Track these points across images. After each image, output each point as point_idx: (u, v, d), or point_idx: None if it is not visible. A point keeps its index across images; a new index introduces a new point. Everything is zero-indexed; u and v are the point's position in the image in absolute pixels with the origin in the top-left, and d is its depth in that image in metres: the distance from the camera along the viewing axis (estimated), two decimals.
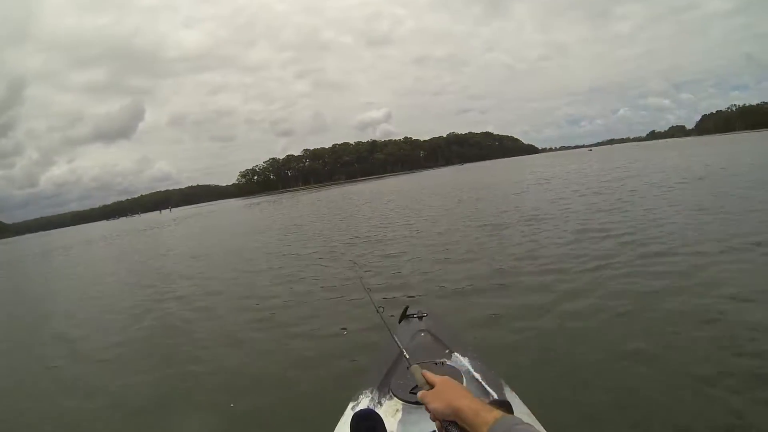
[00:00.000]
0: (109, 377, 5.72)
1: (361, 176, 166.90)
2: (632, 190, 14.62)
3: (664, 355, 3.74)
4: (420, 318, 3.04)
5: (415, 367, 1.42)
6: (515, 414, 1.53)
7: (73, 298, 11.96)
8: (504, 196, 18.62)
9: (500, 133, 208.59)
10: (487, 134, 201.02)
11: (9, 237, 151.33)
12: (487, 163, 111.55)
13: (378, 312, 2.40)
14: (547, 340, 4.26)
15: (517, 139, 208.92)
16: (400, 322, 3.12)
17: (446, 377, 1.36)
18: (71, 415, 4.96)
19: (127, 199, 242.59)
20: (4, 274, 24.14)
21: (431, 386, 1.34)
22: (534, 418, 1.89)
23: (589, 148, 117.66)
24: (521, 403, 1.99)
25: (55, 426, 4.77)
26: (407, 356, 2.45)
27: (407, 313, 3.14)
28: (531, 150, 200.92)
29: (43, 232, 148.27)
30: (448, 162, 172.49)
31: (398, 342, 2.66)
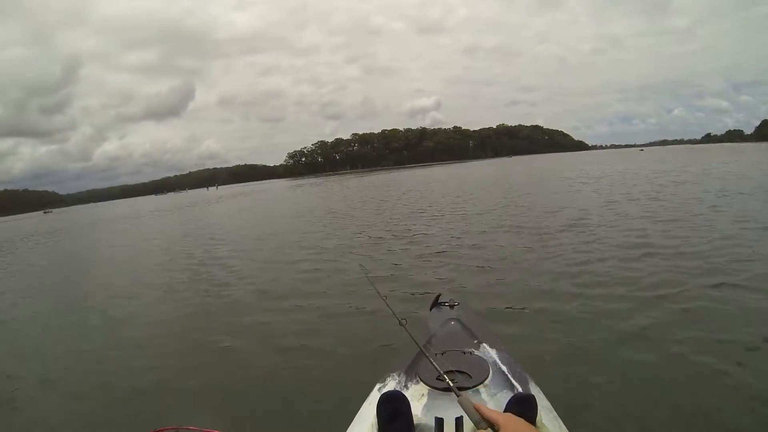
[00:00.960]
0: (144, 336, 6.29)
1: (410, 163, 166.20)
2: (692, 198, 13.35)
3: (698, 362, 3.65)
4: (451, 306, 3.05)
5: (464, 400, 1.44)
6: (539, 408, 1.68)
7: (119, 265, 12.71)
8: (551, 195, 17.86)
9: (550, 127, 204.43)
10: (537, 128, 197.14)
11: (63, 207, 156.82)
12: (536, 157, 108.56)
13: (388, 312, 2.49)
14: (580, 345, 4.23)
15: (566, 134, 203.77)
16: (431, 309, 3.14)
17: (509, 414, 1.40)
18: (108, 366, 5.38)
19: (176, 176, 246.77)
20: (68, 239, 25.46)
21: (490, 424, 1.35)
22: (555, 413, 1.90)
23: (641, 148, 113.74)
24: (544, 397, 1.99)
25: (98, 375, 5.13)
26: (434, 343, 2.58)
27: (439, 300, 3.17)
28: (580, 146, 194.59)
29: (94, 204, 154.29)
30: (496, 154, 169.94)
31: (428, 328, 2.83)
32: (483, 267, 7.60)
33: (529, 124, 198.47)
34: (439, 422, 1.69)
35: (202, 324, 6.54)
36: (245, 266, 10.24)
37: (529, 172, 37.85)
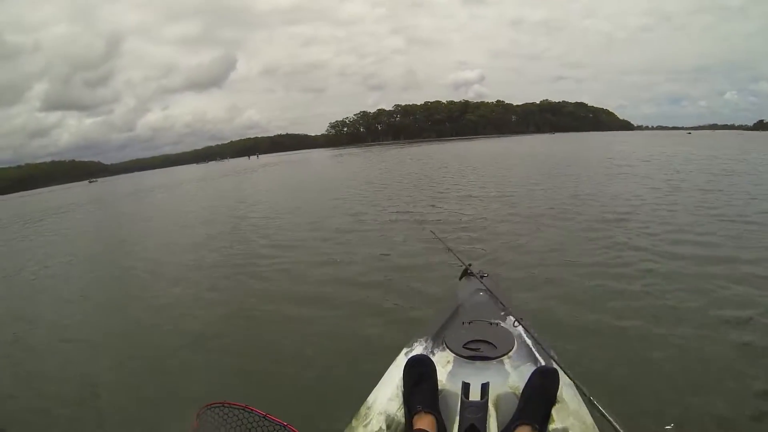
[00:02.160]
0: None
1: (451, 136, 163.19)
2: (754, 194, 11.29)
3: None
4: (480, 277, 3.07)
5: None
6: (560, 384, 1.79)
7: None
8: (593, 178, 16.56)
9: (595, 105, 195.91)
10: (581, 105, 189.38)
11: (108, 176, 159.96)
12: (580, 135, 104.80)
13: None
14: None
15: (612, 113, 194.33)
16: (460, 279, 3.23)
17: None
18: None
19: (217, 145, 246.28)
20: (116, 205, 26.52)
21: None
22: (576, 390, 1.91)
23: (688, 131, 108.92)
24: (566, 374, 1.97)
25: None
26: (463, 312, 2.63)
27: (469, 271, 3.22)
28: (626, 126, 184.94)
29: (137, 173, 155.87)
30: (539, 129, 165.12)
31: (457, 297, 2.89)
32: (516, 243, 7.58)
33: (573, 101, 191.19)
34: (466, 387, 1.79)
35: (236, 278, 7.16)
36: (282, 229, 10.97)
37: (574, 150, 36.70)
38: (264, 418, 1.42)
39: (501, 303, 2.68)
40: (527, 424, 1.60)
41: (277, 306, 5.80)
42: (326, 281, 6.68)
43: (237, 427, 1.45)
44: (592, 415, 1.76)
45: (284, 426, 1.40)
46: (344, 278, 6.73)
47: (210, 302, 6.39)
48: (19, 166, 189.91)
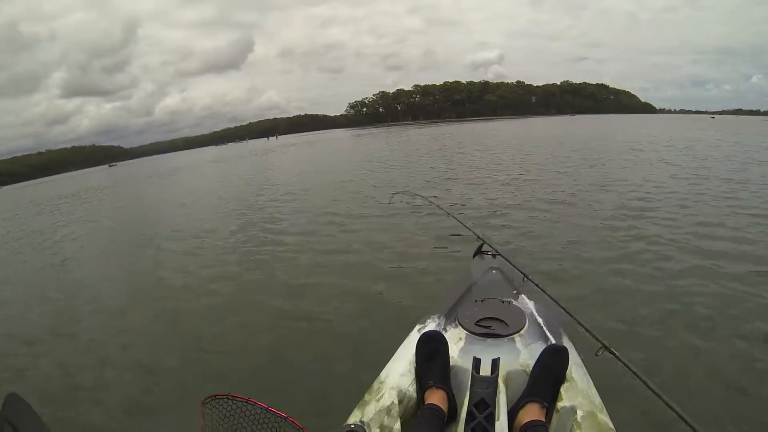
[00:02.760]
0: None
1: (471, 116, 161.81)
2: None
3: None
4: (493, 256, 3.11)
5: None
6: (570, 363, 1.82)
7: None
8: (616, 163, 15.66)
9: (616, 87, 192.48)
10: (603, 86, 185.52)
11: (128, 160, 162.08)
12: (601, 117, 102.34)
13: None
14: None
15: (633, 95, 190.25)
16: (473, 257, 3.22)
17: None
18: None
19: (236, 126, 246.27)
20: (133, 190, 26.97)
21: None
22: (585, 369, 1.96)
23: (712, 116, 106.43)
24: (576, 353, 2.04)
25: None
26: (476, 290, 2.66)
27: (482, 249, 3.23)
28: (647, 109, 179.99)
29: (156, 156, 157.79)
30: (559, 111, 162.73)
31: (470, 275, 2.90)
32: (531, 227, 7.51)
33: (594, 82, 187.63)
34: (477, 362, 1.84)
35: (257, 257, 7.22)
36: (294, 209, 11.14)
37: (596, 134, 35.49)
38: (266, 410, 1.48)
39: (512, 282, 2.72)
40: (536, 402, 1.64)
41: (290, 286, 5.83)
42: (338, 253, 6.93)
43: (241, 419, 1.52)
44: (600, 395, 1.78)
45: (285, 418, 1.46)
46: (356, 251, 6.95)
47: (219, 278, 6.51)
48: (40, 153, 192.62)
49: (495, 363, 1.81)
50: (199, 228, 10.27)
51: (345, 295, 5.23)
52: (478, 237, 2.91)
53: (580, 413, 1.63)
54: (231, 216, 11.31)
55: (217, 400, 1.57)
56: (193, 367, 4.09)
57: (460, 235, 6.46)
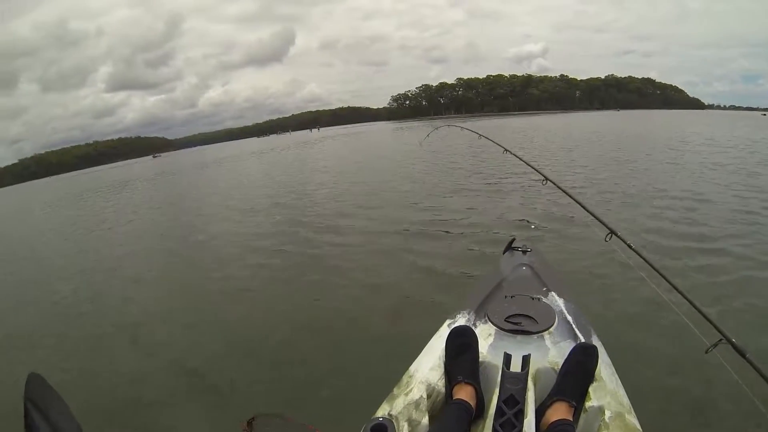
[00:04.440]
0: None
1: (514, 110, 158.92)
2: None
3: None
4: (524, 252, 3.06)
5: None
6: (599, 363, 1.80)
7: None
8: (660, 164, 14.08)
9: (663, 81, 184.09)
10: (649, 81, 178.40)
11: (172, 151, 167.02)
12: (647, 112, 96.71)
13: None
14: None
15: (681, 90, 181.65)
16: (504, 253, 3.17)
17: None
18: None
19: (278, 118, 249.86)
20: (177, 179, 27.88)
21: None
22: (614, 369, 1.93)
23: (763, 113, 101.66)
24: (605, 352, 2.00)
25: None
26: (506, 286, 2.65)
27: (513, 245, 3.18)
28: (695, 104, 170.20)
29: (200, 147, 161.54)
30: (603, 106, 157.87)
31: (500, 271, 2.89)
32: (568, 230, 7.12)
33: (640, 77, 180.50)
34: (507, 358, 1.82)
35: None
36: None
37: (645, 131, 33.29)
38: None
39: (542, 278, 2.68)
40: (564, 401, 1.62)
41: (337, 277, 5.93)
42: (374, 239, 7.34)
43: None
44: (628, 395, 1.77)
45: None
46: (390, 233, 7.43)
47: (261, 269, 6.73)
48: (87, 144, 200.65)
49: (525, 359, 1.79)
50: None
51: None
52: (605, 225, 2.76)
53: (608, 414, 1.62)
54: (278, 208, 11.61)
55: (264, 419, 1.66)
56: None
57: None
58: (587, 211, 2.94)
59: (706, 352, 1.87)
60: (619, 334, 3.71)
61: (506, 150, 4.33)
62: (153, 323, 5.29)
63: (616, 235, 2.70)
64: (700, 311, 2.03)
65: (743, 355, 1.76)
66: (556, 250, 6.05)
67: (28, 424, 0.86)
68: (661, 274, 2.34)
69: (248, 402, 3.39)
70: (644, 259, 2.52)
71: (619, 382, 1.85)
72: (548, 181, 3.40)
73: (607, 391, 1.74)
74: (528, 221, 7.64)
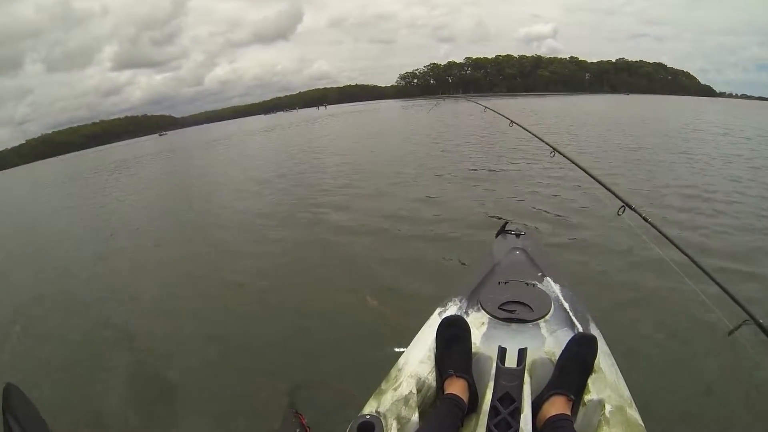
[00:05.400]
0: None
1: (522, 91, 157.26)
2: None
3: None
4: (517, 236, 2.98)
5: None
6: (598, 353, 1.72)
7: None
8: (668, 152, 13.12)
9: (674, 67, 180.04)
10: (660, 66, 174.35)
11: (179, 129, 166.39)
12: (657, 98, 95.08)
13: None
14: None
15: (693, 77, 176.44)
16: (497, 236, 3.07)
17: None
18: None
19: (286, 96, 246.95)
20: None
21: None
22: (613, 359, 1.87)
23: None
24: (603, 341, 1.92)
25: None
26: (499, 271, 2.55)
27: (506, 228, 3.09)
28: (707, 92, 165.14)
29: (206, 125, 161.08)
30: (613, 89, 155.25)
31: (493, 256, 2.79)
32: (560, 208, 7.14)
33: (651, 61, 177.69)
34: (502, 352, 1.74)
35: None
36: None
37: (658, 116, 32.04)
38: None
39: (537, 263, 2.61)
40: (562, 394, 1.55)
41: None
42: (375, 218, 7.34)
43: None
44: (628, 387, 1.71)
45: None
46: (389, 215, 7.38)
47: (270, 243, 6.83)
48: (94, 123, 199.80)
49: (522, 353, 1.71)
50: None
51: None
52: (619, 197, 2.63)
53: (608, 407, 1.56)
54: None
55: None
56: None
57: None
58: (598, 182, 2.85)
59: (729, 334, 1.81)
60: (633, 315, 3.73)
61: (512, 122, 4.22)
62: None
63: (630, 207, 2.57)
64: (723, 288, 1.94)
65: None
66: (564, 225, 6.02)
67: None
68: (679, 248, 2.27)
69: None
70: (660, 231, 2.42)
71: (620, 373, 1.79)
72: (556, 153, 3.32)
73: (607, 383, 1.68)
74: (536, 196, 7.68)
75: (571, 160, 3.20)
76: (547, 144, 3.48)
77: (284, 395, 2.17)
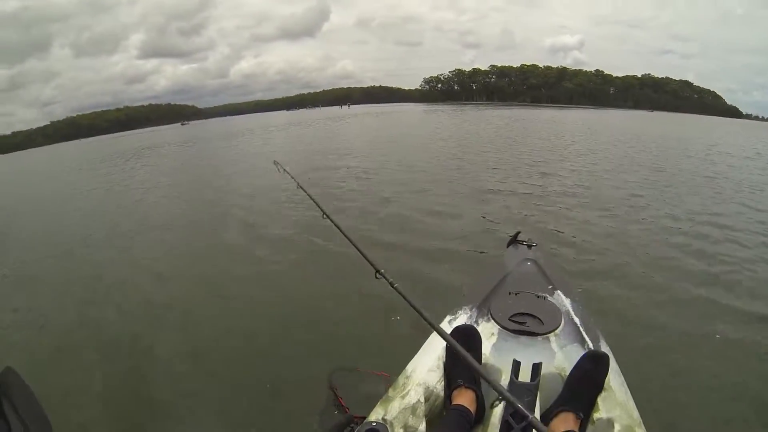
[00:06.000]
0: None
1: (546, 102, 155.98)
2: None
3: None
4: (529, 246, 2.93)
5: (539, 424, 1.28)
6: (609, 371, 1.67)
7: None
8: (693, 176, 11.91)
9: (701, 86, 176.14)
10: (686, 84, 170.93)
11: (201, 119, 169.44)
12: (683, 116, 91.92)
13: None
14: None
15: (719, 97, 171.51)
16: (508, 246, 3.04)
17: None
18: None
19: (309, 93, 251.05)
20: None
21: None
22: (623, 378, 1.83)
23: None
24: (613, 359, 1.86)
25: None
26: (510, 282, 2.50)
27: (517, 238, 3.03)
28: (732, 113, 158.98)
29: (229, 117, 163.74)
30: (637, 105, 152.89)
31: (504, 265, 2.76)
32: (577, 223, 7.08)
33: (678, 78, 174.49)
34: (516, 365, 1.66)
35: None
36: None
37: (689, 136, 29.08)
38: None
39: (548, 275, 2.57)
40: (571, 411, 1.53)
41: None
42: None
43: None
44: (638, 408, 1.68)
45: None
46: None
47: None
48: (118, 109, 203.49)
49: (536, 368, 1.64)
50: None
51: None
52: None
53: (617, 427, 1.54)
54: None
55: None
56: None
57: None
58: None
59: None
60: None
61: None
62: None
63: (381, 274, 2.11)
64: None
65: None
66: None
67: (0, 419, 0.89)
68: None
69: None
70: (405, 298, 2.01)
71: (629, 392, 1.76)
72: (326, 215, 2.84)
73: (616, 402, 1.65)
74: None
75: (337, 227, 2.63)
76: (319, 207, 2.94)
77: (322, 378, 2.25)
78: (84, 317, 4.85)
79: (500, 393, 1.39)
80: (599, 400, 1.63)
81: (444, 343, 1.82)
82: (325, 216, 2.77)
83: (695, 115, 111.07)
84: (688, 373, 3.26)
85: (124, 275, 5.96)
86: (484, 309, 2.23)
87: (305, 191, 3.24)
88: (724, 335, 3.80)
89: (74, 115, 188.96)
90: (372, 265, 2.07)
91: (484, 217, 7.41)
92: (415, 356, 1.99)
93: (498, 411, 1.64)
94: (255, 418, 2.95)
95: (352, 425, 1.78)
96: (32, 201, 14.31)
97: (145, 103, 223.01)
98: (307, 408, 2.72)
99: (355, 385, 2.37)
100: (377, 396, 1.78)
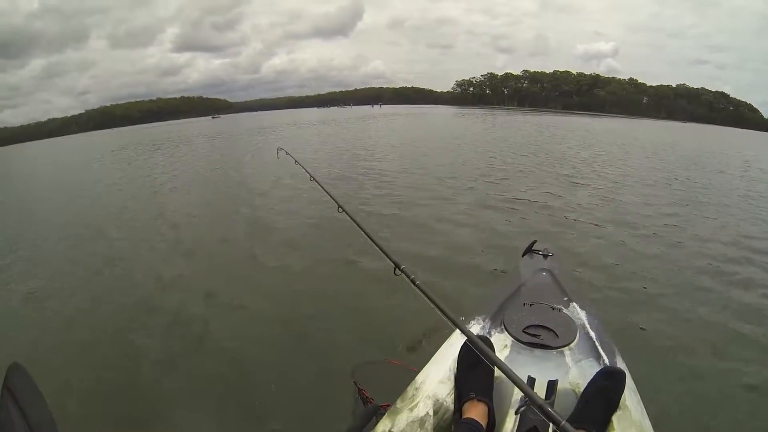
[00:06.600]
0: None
1: (578, 110, 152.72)
2: None
3: None
4: (545, 256, 2.85)
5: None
6: (625, 389, 1.65)
7: None
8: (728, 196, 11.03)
9: (737, 98, 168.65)
10: (722, 95, 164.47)
11: (232, 113, 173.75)
12: (718, 129, 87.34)
13: None
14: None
15: (755, 110, 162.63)
16: (523, 255, 2.95)
17: None
18: None
19: (341, 91, 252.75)
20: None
21: None
22: (639, 396, 1.78)
23: None
24: (629, 376, 1.78)
25: None
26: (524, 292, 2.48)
27: (533, 248, 2.96)
28: None
29: (259, 112, 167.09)
30: (670, 115, 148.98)
31: (519, 275, 2.72)
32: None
33: (713, 90, 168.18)
34: (531, 382, 1.67)
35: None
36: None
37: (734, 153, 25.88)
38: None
39: (563, 287, 2.51)
40: (584, 429, 1.47)
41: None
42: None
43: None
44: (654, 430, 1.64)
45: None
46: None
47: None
48: (151, 100, 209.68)
49: (552, 386, 1.65)
50: None
51: None
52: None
53: None
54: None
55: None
56: None
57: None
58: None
59: None
60: None
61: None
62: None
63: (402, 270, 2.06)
64: None
65: None
66: None
67: (3, 414, 0.89)
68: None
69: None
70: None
71: (645, 411, 1.71)
72: (341, 209, 2.81)
73: (632, 421, 1.60)
74: None
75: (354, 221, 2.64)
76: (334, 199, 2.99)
77: (346, 372, 2.31)
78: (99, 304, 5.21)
79: (531, 399, 1.34)
80: (614, 418, 1.58)
81: (455, 355, 1.81)
82: (340, 209, 2.76)
83: (730, 128, 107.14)
84: (713, 402, 3.18)
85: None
86: (498, 320, 2.20)
87: (330, 194, 3.21)
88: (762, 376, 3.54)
89: (108, 104, 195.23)
90: (391, 260, 2.01)
91: (503, 226, 7.42)
92: (425, 367, 1.94)
93: (510, 425, 1.61)
94: (280, 414, 3.03)
95: (379, 413, 1.77)
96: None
97: (177, 96, 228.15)
98: (331, 400, 2.78)
99: (378, 378, 2.40)
100: (397, 386, 1.81)
